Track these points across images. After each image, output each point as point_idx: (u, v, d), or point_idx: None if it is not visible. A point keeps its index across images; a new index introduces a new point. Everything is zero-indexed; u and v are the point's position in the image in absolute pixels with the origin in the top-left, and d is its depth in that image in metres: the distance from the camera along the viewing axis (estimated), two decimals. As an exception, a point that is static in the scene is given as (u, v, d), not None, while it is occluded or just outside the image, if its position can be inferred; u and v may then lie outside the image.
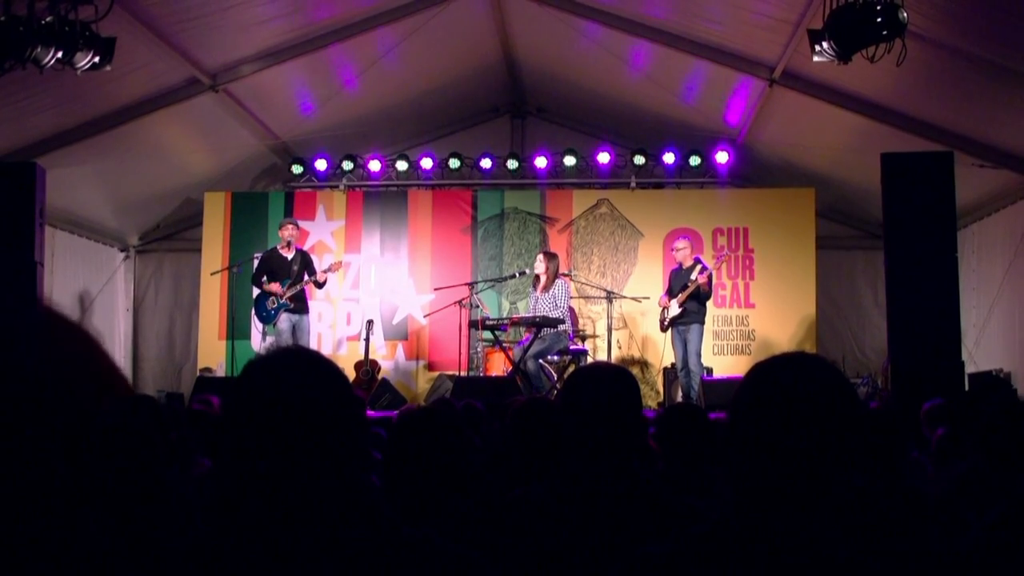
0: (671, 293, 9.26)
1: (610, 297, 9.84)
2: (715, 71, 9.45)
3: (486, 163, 11.40)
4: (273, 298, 9.49)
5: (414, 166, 11.49)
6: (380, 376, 10.16)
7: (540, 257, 9.17)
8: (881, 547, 1.37)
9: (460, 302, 9.64)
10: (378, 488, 2.88)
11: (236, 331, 10.20)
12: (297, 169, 11.54)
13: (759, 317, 10.81)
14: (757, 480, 1.39)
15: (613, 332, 9.82)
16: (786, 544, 1.34)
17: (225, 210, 11.44)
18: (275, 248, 9.81)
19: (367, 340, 10.31)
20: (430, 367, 11.05)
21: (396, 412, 5.50)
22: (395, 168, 11.53)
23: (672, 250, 9.55)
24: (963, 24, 7.09)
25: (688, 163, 11.12)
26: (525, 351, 8.72)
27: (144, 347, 12.24)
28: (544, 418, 3.20)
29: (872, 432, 3.42)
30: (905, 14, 5.92)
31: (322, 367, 1.40)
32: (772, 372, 1.46)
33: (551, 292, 8.95)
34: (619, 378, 2.27)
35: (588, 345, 10.46)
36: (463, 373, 9.57)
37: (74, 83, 7.52)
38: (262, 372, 1.38)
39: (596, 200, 11.35)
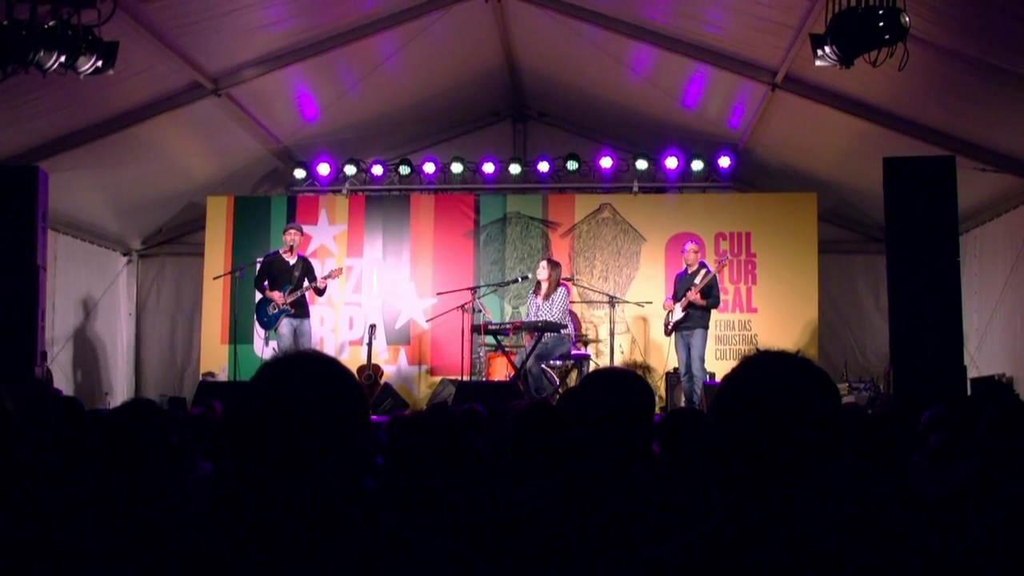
0: (676, 297, 9.26)
1: (612, 302, 9.84)
2: (717, 75, 9.45)
3: (488, 167, 11.39)
4: (274, 303, 9.50)
5: (416, 170, 11.48)
6: (382, 381, 10.15)
7: (543, 264, 9.16)
8: (879, 549, 1.36)
9: (462, 306, 9.62)
10: (378, 491, 2.88)
11: (238, 335, 10.20)
12: (299, 173, 11.53)
13: (761, 321, 10.80)
14: (741, 480, 1.38)
15: (616, 336, 9.82)
16: (783, 546, 1.33)
17: (227, 214, 11.45)
18: (277, 252, 9.80)
19: (369, 344, 10.30)
20: (432, 372, 11.05)
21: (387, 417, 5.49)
22: (397, 172, 11.52)
23: (683, 251, 9.53)
24: (965, 28, 7.08)
25: (690, 167, 11.11)
26: (528, 355, 8.72)
27: (146, 351, 12.23)
28: (545, 421, 3.20)
29: (873, 436, 3.42)
30: (907, 18, 5.91)
31: (335, 372, 1.40)
32: (750, 371, 1.45)
33: (550, 300, 8.95)
34: (636, 385, 2.29)
35: (591, 350, 10.45)
36: (465, 378, 9.55)
37: (77, 87, 7.51)
38: (275, 375, 1.38)
39: (598, 204, 11.35)
